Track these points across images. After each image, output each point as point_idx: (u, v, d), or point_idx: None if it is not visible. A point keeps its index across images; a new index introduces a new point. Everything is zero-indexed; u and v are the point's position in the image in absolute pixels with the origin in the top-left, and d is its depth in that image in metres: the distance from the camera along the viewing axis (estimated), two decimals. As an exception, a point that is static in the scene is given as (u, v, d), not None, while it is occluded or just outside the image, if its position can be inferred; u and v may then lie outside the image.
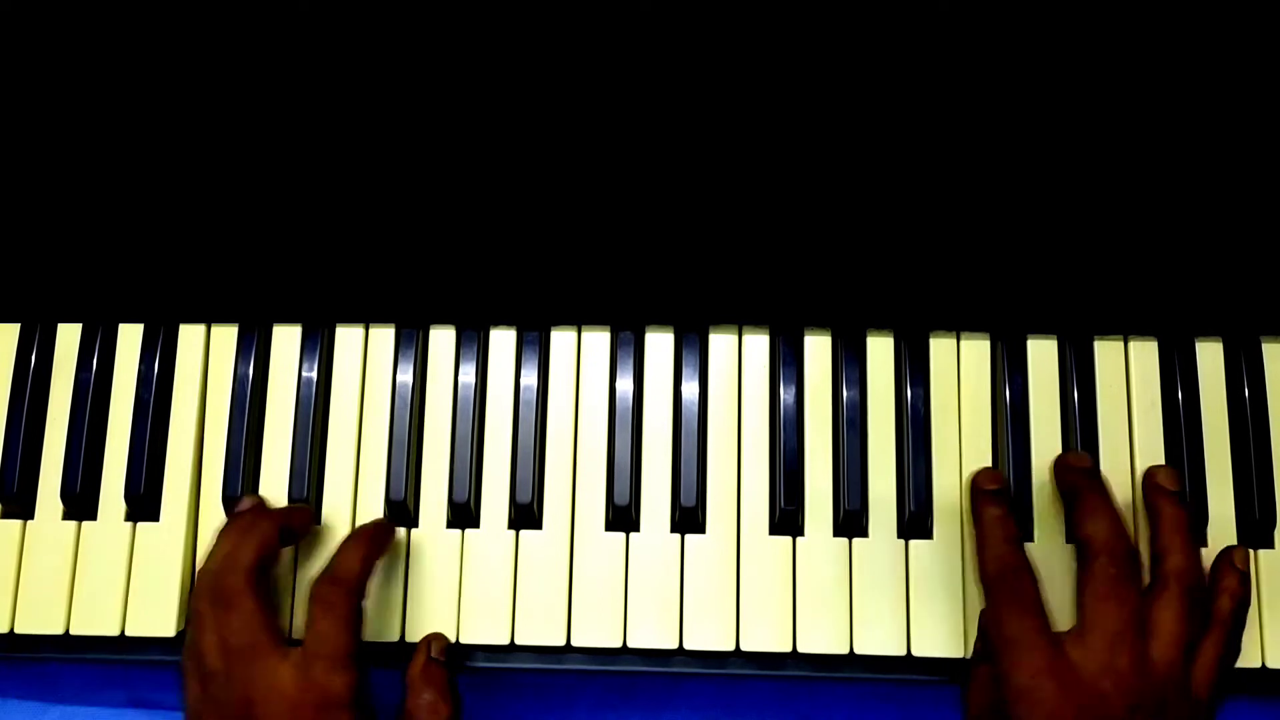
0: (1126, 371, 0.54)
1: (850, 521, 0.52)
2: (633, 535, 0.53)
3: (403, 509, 0.53)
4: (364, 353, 0.55)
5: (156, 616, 0.52)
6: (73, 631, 0.52)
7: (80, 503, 0.54)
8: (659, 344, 0.55)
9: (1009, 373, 0.54)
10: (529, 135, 0.55)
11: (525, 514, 0.53)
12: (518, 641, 0.52)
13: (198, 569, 0.50)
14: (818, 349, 0.54)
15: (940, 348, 0.54)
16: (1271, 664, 0.51)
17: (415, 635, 0.52)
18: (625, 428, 0.54)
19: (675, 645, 0.52)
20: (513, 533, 0.53)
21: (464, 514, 0.53)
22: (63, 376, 0.55)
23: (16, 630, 0.53)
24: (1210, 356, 0.54)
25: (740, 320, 0.54)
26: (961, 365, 0.54)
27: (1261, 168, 0.53)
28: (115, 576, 0.53)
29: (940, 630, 0.51)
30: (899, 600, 0.52)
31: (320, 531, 0.53)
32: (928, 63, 0.54)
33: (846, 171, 0.54)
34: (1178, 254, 0.54)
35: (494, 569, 0.52)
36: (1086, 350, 0.54)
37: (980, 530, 0.50)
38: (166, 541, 0.53)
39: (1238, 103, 0.54)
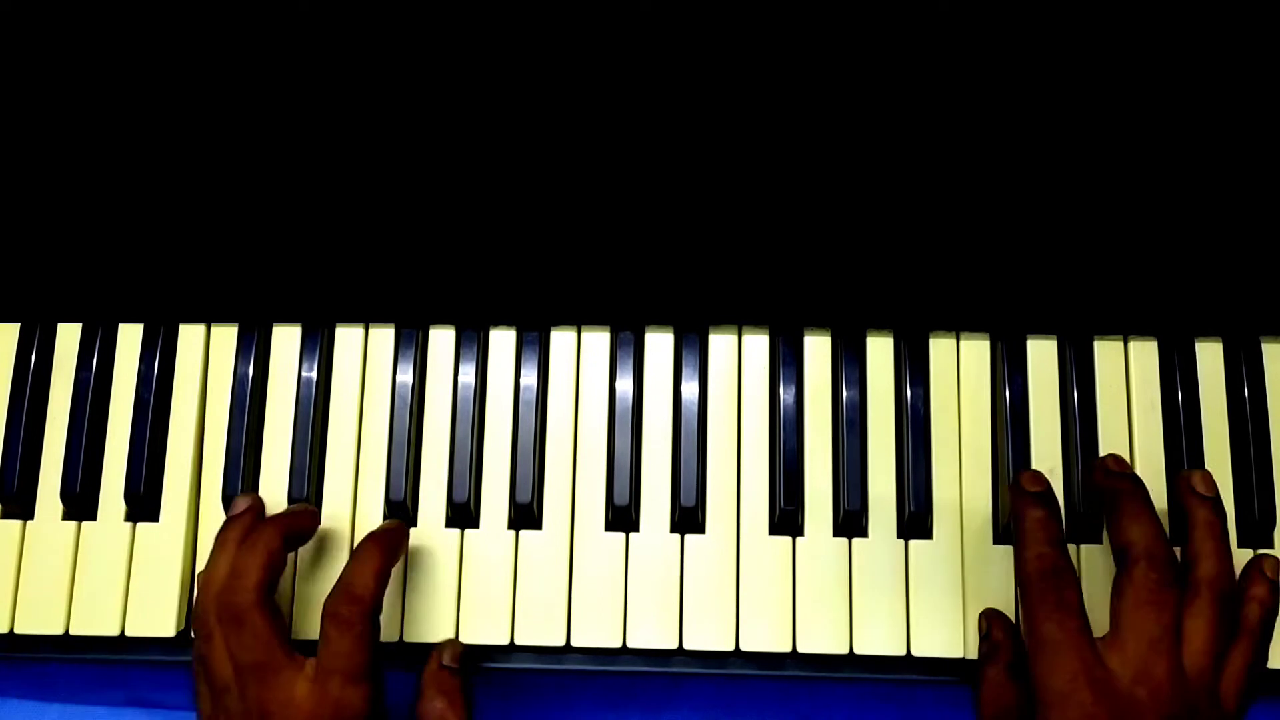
0: (1126, 371, 0.54)
1: (850, 521, 0.52)
2: (632, 535, 0.53)
3: (402, 509, 0.53)
4: (364, 353, 0.55)
5: (156, 616, 0.52)
6: (72, 631, 0.52)
7: (80, 503, 0.54)
8: (659, 344, 0.55)
9: (1009, 373, 0.54)
10: (529, 135, 0.55)
11: (525, 514, 0.53)
12: (518, 642, 0.52)
13: (200, 577, 0.50)
14: (817, 349, 0.54)
15: (940, 348, 0.54)
16: (1273, 664, 0.51)
17: (415, 635, 0.52)
18: (625, 428, 0.54)
19: (675, 645, 0.52)
20: (512, 533, 0.53)
21: (464, 514, 0.53)
22: (63, 376, 0.55)
23: (16, 630, 0.53)
24: (1210, 357, 0.54)
25: (740, 320, 0.54)
26: (961, 365, 0.54)
27: (1261, 168, 0.53)
28: (115, 577, 0.53)
29: (940, 630, 0.51)
30: (899, 600, 0.52)
31: (320, 532, 0.53)
32: (927, 63, 0.54)
33: (846, 172, 0.54)
34: (1177, 254, 0.54)
35: (494, 569, 0.52)
36: (1086, 350, 0.54)
37: (1021, 531, 0.49)
38: (166, 541, 0.53)
39: (1237, 103, 0.54)
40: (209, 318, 0.55)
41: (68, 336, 0.55)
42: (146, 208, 0.55)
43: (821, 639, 0.51)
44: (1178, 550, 0.50)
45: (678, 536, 0.53)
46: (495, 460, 0.54)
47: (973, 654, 0.51)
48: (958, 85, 0.54)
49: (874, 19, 0.54)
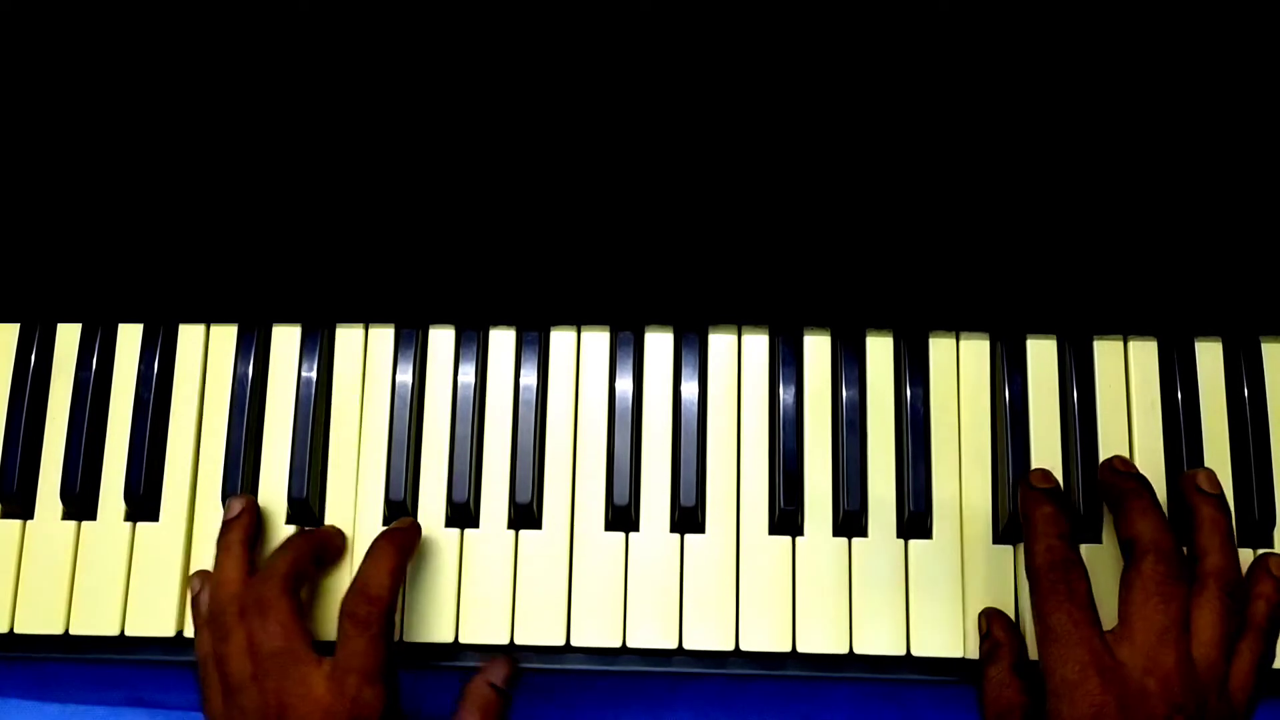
0: (1126, 371, 0.54)
1: (850, 521, 0.52)
2: (632, 535, 0.53)
3: (402, 509, 0.53)
4: (364, 353, 0.55)
5: (156, 616, 0.52)
6: (72, 631, 0.53)
7: (80, 502, 0.54)
8: (658, 344, 0.55)
9: (1008, 372, 0.54)
10: (528, 135, 0.55)
11: (525, 514, 0.53)
12: (517, 641, 0.52)
13: (208, 580, 0.51)
14: (817, 349, 0.54)
15: (940, 348, 0.54)
16: (1278, 664, 0.51)
17: (414, 635, 0.52)
18: (625, 428, 0.54)
19: (675, 645, 0.52)
20: (512, 532, 0.53)
21: (463, 514, 0.53)
22: (63, 376, 0.55)
23: (16, 630, 0.53)
24: (1210, 356, 0.54)
25: (740, 320, 0.54)
26: (961, 365, 0.54)
27: (1260, 168, 0.53)
28: (115, 576, 0.53)
29: (940, 630, 0.51)
30: (898, 600, 0.52)
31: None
32: (927, 63, 0.54)
33: (846, 171, 0.54)
34: (1177, 254, 0.54)
35: (493, 569, 0.52)
36: (1086, 350, 0.54)
37: (1030, 526, 0.49)
38: (166, 541, 0.53)
39: (1237, 103, 0.54)
40: (209, 317, 0.55)
41: (68, 336, 0.55)
42: (146, 208, 0.55)
43: (821, 639, 0.51)
44: (1184, 549, 0.50)
45: (677, 536, 0.53)
46: (495, 460, 0.54)
47: (972, 654, 0.51)
48: (957, 85, 0.54)
49: (874, 19, 0.54)
